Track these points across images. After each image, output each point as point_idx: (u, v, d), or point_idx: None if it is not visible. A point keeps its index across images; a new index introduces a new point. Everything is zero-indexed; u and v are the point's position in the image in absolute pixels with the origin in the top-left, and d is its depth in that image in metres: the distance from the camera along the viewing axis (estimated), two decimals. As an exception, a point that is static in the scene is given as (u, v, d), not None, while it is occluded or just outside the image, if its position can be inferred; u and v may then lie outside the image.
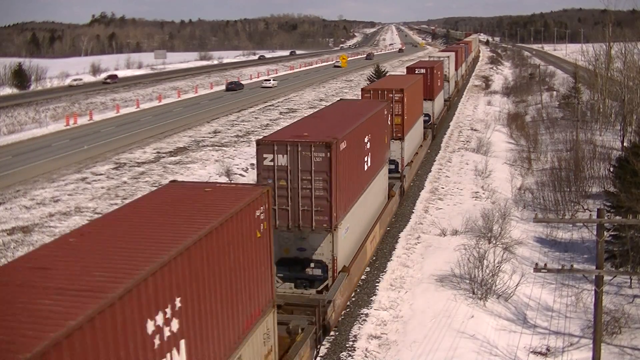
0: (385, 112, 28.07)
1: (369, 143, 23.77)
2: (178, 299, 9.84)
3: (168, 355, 9.57)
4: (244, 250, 12.55)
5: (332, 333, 19.70)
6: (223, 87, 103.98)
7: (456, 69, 77.86)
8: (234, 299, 12.07)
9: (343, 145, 19.59)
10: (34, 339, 6.89)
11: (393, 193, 29.87)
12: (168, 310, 9.58)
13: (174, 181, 15.61)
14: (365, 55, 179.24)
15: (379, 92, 32.90)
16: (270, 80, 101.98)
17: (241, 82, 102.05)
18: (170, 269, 9.58)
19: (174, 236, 10.34)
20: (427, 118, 46.46)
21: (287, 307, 17.50)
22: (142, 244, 10.17)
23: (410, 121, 35.24)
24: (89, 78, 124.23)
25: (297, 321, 16.89)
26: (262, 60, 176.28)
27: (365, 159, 23.40)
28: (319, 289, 19.31)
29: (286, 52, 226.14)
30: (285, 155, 18.72)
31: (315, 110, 30.91)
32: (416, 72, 47.90)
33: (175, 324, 9.79)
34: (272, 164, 18.85)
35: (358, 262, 22.13)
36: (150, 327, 9.07)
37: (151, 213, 12.04)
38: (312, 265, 19.62)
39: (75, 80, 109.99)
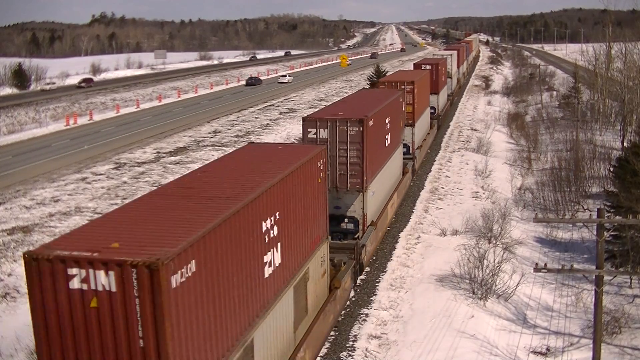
0: (401, 100, 32.52)
1: (388, 124, 28.16)
2: (277, 212, 14.28)
3: (272, 250, 14.00)
4: (311, 190, 17.07)
5: (332, 333, 19.72)
6: (224, 86, 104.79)
7: (458, 67, 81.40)
8: (305, 224, 16.62)
9: (371, 123, 23.85)
10: (209, 218, 11.26)
11: (407, 170, 35.07)
12: (272, 219, 13.99)
13: (251, 142, 21.01)
14: (369, 55, 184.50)
15: (393, 83, 37.72)
16: (286, 76, 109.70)
17: (260, 77, 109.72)
18: (273, 191, 14.01)
19: (270, 173, 14.76)
20: (432, 110, 50.52)
21: (330, 250, 20.40)
22: (252, 175, 14.64)
23: (419, 110, 39.63)
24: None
25: (340, 257, 21.36)
26: (254, 62, 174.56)
27: (386, 137, 27.84)
28: (353, 239, 23.71)
29: (281, 53, 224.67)
30: (326, 130, 23.02)
31: (337, 99, 34.26)
32: (422, 68, 52.04)
33: (275, 230, 14.21)
34: (315, 136, 23.05)
35: (382, 220, 27.17)
36: (263, 227, 13.53)
37: (247, 160, 16.82)
38: (346, 220, 23.94)
39: (48, 83, 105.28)
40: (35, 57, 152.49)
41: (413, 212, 32.88)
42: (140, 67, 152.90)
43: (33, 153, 51.28)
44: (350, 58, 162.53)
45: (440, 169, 42.54)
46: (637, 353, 19.66)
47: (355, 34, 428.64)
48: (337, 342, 19.48)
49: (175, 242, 10.04)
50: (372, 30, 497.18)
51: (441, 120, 56.44)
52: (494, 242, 27.17)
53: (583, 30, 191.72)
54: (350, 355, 18.81)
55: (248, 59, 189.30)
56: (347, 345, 19.38)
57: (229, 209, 11.85)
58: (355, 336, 19.92)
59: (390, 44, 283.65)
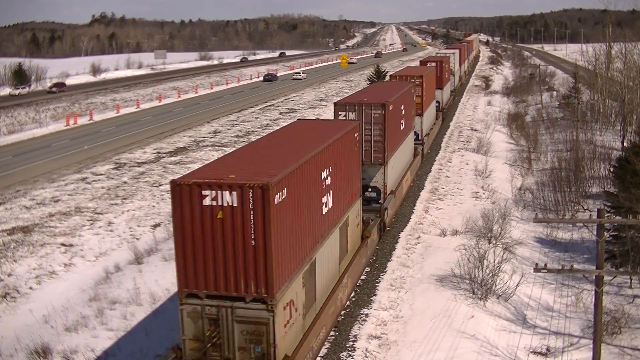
0: (412, 91, 36.98)
1: (403, 111, 32.27)
2: (330, 167, 18.53)
3: (327, 195, 18.24)
4: (350, 154, 21.47)
5: (332, 333, 19.71)
6: (224, 86, 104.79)
7: (460, 65, 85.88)
8: (346, 180, 20.75)
9: (391, 107, 28.12)
10: (291, 162, 15.53)
11: (417, 153, 39.43)
12: (327, 170, 18.21)
13: (300, 119, 25.63)
14: (374, 54, 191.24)
15: (404, 77, 42.32)
16: (300, 73, 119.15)
17: (276, 74, 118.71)
18: (327, 150, 18.23)
19: (323, 138, 18.90)
20: (437, 104, 54.73)
21: None
22: (310, 139, 19.01)
23: (427, 102, 43.94)
24: (86, 79, 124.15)
25: (368, 215, 25.76)
26: (245, 63, 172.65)
27: (402, 122, 32.03)
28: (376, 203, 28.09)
29: (275, 54, 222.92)
30: (353, 112, 27.23)
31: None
32: (428, 65, 56.20)
33: (329, 179, 18.43)
34: (344, 118, 27.02)
35: (399, 191, 31.67)
36: (322, 175, 17.77)
37: (302, 130, 21.49)
38: (369, 190, 27.95)
39: (17, 88, 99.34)
40: (36, 57, 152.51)
41: (413, 212, 32.86)
42: (140, 67, 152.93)
43: (33, 153, 51.29)
44: (356, 57, 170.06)
45: (440, 169, 42.51)
46: (637, 353, 19.65)
47: (355, 34, 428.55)
48: (337, 342, 19.46)
49: (275, 174, 14.24)
50: (372, 30, 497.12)
51: (445, 114, 60.62)
52: (494, 242, 27.15)
53: (583, 31, 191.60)
54: (350, 356, 18.80)
55: (239, 60, 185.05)
56: (347, 345, 19.37)
57: (302, 158, 16.14)
58: (355, 336, 19.90)
59: (390, 44, 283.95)
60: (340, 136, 20.01)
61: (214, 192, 13.73)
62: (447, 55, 70.52)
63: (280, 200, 14.14)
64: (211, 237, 13.97)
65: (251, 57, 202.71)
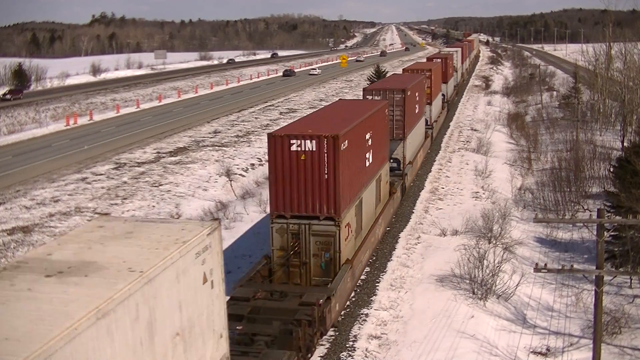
0: (424, 82, 43.09)
1: (417, 97, 38.34)
2: (370, 131, 24.04)
3: (369, 152, 23.73)
4: (383, 126, 27.41)
5: (331, 333, 19.73)
6: (224, 86, 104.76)
7: (462, 63, 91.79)
8: (379, 145, 26.23)
9: (408, 93, 34.12)
10: (348, 123, 21.57)
11: (427, 135, 45.87)
12: (369, 134, 23.82)
13: (341, 99, 34.80)
14: (379, 53, 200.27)
15: (415, 71, 48.64)
16: (315, 69, 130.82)
17: (294, 70, 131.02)
18: (369, 119, 23.93)
19: (364, 111, 24.51)
20: (443, 96, 60.28)
21: None
22: (355, 111, 24.52)
23: (435, 93, 50.35)
24: (86, 79, 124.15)
25: (393, 179, 31.44)
26: (233, 64, 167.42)
27: (416, 106, 38.08)
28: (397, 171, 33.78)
29: (281, 54, 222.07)
30: (379, 96, 33.14)
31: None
32: (434, 61, 61.97)
33: (370, 141, 23.95)
34: None
35: (415, 162, 38.22)
36: (366, 137, 23.46)
37: (346, 106, 28.28)
38: (391, 160, 32.29)
39: None
40: (36, 57, 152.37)
41: (413, 212, 32.85)
42: (140, 67, 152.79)
43: (33, 153, 51.27)
44: (363, 56, 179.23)
45: (440, 169, 42.50)
46: (637, 353, 19.65)
47: (355, 34, 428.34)
48: (337, 342, 19.46)
49: (340, 129, 19.93)
50: (372, 30, 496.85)
51: (449, 105, 67.16)
52: (494, 242, 27.15)
53: (583, 31, 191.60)
54: (350, 356, 18.80)
55: (225, 62, 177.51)
56: (347, 345, 19.36)
57: (354, 122, 21.84)
58: (355, 336, 19.89)
59: (390, 44, 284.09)
60: (377, 110, 25.86)
61: (299, 141, 19.24)
62: (451, 53, 76.65)
63: (344, 148, 19.64)
64: (296, 173, 19.43)
65: (251, 57, 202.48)
